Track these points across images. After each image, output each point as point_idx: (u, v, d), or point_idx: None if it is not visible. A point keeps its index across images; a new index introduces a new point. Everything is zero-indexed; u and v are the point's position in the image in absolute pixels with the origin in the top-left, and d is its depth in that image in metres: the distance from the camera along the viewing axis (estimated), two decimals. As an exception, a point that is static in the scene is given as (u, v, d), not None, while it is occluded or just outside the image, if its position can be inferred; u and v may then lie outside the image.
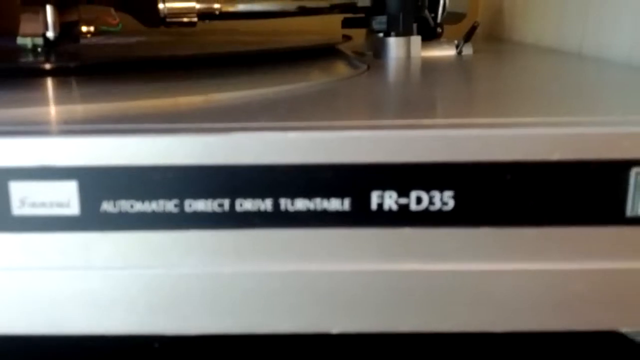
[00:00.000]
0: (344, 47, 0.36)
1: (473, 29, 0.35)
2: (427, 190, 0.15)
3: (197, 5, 0.27)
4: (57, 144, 0.15)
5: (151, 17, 0.26)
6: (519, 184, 0.15)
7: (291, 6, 0.30)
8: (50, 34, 0.25)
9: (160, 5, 0.26)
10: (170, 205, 0.15)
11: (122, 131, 0.15)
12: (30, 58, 0.25)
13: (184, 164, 0.15)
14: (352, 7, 0.37)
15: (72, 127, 0.16)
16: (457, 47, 0.36)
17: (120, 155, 0.15)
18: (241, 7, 0.28)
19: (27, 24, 0.25)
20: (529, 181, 0.15)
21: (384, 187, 0.15)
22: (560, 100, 0.19)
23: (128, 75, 0.21)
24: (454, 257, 0.15)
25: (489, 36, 0.50)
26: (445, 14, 0.39)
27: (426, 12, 0.38)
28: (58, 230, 0.15)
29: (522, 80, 0.24)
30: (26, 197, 0.15)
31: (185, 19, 0.27)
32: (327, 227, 0.15)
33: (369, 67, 0.29)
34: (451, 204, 0.15)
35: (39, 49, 0.25)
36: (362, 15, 0.38)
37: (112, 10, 0.26)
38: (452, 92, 0.21)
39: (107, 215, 0.15)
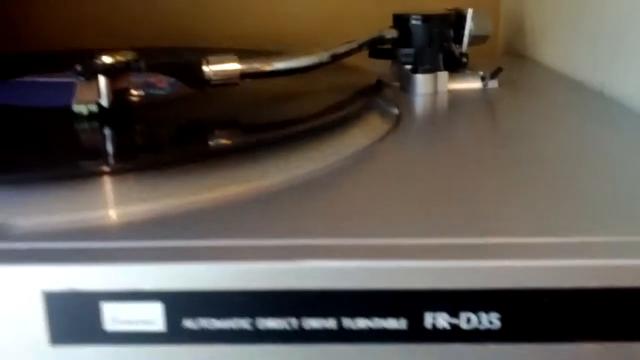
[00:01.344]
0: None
1: (499, 70, 0.36)
2: (475, 312, 0.17)
3: (240, 67, 0.28)
4: (144, 271, 0.17)
5: (196, 80, 0.27)
6: (558, 307, 0.16)
7: (324, 56, 0.32)
8: (104, 101, 0.26)
9: (205, 69, 0.28)
10: (245, 323, 0.17)
11: (198, 257, 0.17)
12: (86, 125, 0.26)
13: (257, 289, 0.17)
14: (379, 40, 0.38)
15: (153, 247, 0.17)
16: (482, 79, 0.37)
17: (201, 280, 0.17)
18: (279, 65, 0.29)
19: (82, 92, 0.27)
20: (567, 304, 0.16)
21: (435, 309, 0.17)
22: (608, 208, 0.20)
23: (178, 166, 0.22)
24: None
25: (509, 50, 0.51)
26: (470, 40, 0.40)
27: (451, 43, 0.39)
28: (145, 344, 0.17)
29: (568, 154, 0.25)
30: (116, 316, 0.17)
31: (228, 81, 0.28)
32: (386, 343, 0.17)
33: (399, 120, 0.30)
34: (497, 323, 0.17)
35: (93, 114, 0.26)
36: (389, 46, 0.39)
37: (160, 75, 0.27)
38: (495, 188, 0.22)
39: (190, 331, 0.17)
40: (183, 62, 0.28)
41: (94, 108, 0.27)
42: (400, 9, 0.39)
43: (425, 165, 0.24)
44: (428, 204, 0.20)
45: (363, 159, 0.25)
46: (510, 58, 0.49)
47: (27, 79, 0.36)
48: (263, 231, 0.18)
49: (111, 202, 0.21)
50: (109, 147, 0.25)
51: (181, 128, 0.27)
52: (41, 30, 0.55)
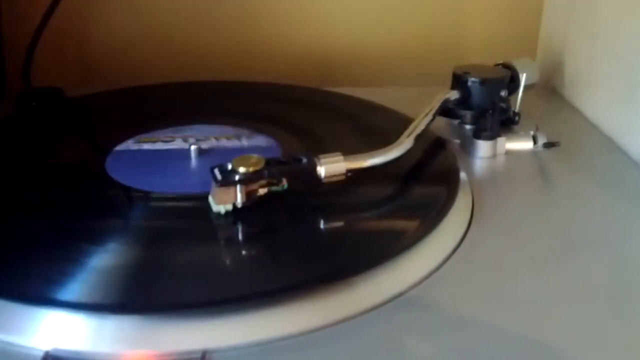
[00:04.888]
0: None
1: (554, 144, 0.41)
2: None
3: (347, 165, 0.33)
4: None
5: (310, 179, 0.33)
6: None
7: (410, 142, 0.37)
8: (239, 203, 0.32)
9: (319, 169, 0.33)
10: None
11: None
12: (222, 221, 0.32)
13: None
14: (445, 102, 0.42)
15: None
16: (534, 139, 0.42)
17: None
18: (376, 160, 0.34)
19: (219, 196, 0.32)
20: None
21: None
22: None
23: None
24: None
25: (547, 88, 0.55)
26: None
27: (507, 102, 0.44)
28: None
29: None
30: None
31: (336, 177, 0.33)
32: None
33: (471, 220, 0.34)
34: None
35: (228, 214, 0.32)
36: (452, 107, 0.44)
37: (284, 179, 0.32)
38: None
39: None
40: (301, 167, 0.33)
41: (229, 207, 0.32)
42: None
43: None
44: None
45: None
46: (548, 99, 0.53)
47: (132, 145, 0.40)
48: None
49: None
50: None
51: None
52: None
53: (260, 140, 0.41)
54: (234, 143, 0.40)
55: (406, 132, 0.38)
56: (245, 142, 0.41)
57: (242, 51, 0.59)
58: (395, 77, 0.59)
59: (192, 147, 0.38)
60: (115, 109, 0.48)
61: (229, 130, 0.43)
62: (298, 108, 0.48)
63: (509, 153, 0.42)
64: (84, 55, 0.59)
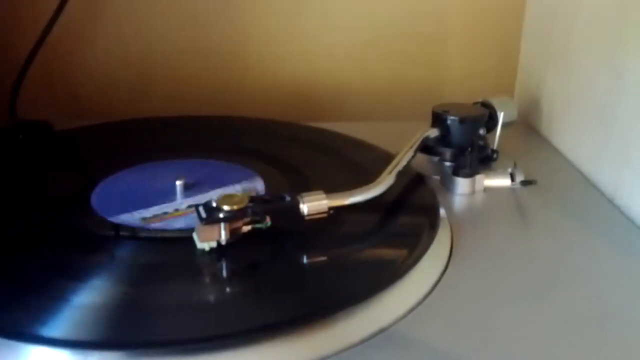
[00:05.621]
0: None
1: (530, 182, 0.42)
2: None
3: (329, 203, 0.34)
4: None
5: (293, 217, 0.33)
6: None
7: (392, 179, 0.38)
8: (223, 240, 0.32)
9: (302, 207, 0.34)
10: None
11: None
12: (206, 258, 0.32)
13: None
14: (425, 140, 0.44)
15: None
16: (511, 176, 0.44)
17: None
18: (357, 198, 0.35)
19: (204, 233, 0.32)
20: None
21: None
22: None
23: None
24: None
25: (525, 125, 0.56)
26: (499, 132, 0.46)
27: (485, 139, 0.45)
28: None
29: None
30: None
31: (319, 214, 0.34)
32: None
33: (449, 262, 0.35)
34: None
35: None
36: (431, 144, 0.45)
37: (267, 217, 0.33)
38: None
39: None
40: (284, 205, 0.33)
41: (214, 245, 0.32)
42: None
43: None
44: None
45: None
46: (526, 136, 0.55)
47: (120, 179, 0.41)
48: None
49: None
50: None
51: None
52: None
53: (245, 175, 0.42)
54: (219, 179, 0.41)
55: (387, 169, 0.39)
56: (231, 177, 0.41)
57: (226, 86, 0.60)
58: (377, 114, 0.60)
59: (178, 183, 0.39)
60: (103, 143, 0.49)
61: (214, 164, 0.44)
62: (283, 143, 0.49)
63: (487, 190, 0.43)
64: (71, 88, 0.59)
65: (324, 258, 0.34)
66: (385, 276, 0.31)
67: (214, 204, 0.33)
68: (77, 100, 0.59)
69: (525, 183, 0.43)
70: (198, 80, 0.60)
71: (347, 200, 0.35)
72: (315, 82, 0.60)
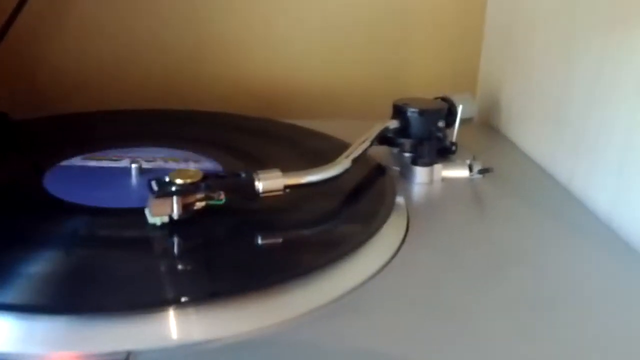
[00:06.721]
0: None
1: (487, 170, 0.43)
2: None
3: (285, 181, 0.34)
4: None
5: (248, 193, 0.33)
6: None
7: (348, 163, 0.38)
8: (175, 215, 0.32)
9: (257, 184, 0.33)
10: None
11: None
12: (157, 232, 0.32)
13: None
14: (384, 131, 0.44)
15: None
16: (469, 167, 0.44)
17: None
18: (313, 178, 0.35)
19: (156, 207, 0.32)
20: None
21: None
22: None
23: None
24: None
25: (486, 124, 0.57)
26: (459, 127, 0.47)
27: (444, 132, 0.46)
28: None
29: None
30: None
31: (274, 192, 0.34)
32: None
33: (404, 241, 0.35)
34: None
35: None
36: (391, 135, 0.45)
37: (221, 192, 0.32)
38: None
39: None
40: (239, 180, 0.33)
41: (165, 219, 0.32)
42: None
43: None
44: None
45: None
46: (486, 133, 0.55)
47: (76, 162, 0.40)
48: None
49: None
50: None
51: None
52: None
53: (206, 164, 0.41)
54: (179, 165, 0.41)
55: (344, 154, 0.39)
56: (191, 165, 0.41)
57: (189, 82, 0.60)
58: (338, 111, 0.60)
59: (133, 166, 0.39)
60: (62, 132, 0.48)
61: (176, 153, 0.43)
62: (244, 135, 0.48)
63: (445, 180, 0.44)
64: (34, 81, 0.59)
65: (278, 235, 0.34)
66: (338, 251, 0.31)
67: (167, 179, 0.32)
68: (39, 94, 0.58)
69: (482, 171, 0.43)
70: (161, 76, 0.59)
71: (302, 179, 0.35)
72: (275, 80, 0.61)
